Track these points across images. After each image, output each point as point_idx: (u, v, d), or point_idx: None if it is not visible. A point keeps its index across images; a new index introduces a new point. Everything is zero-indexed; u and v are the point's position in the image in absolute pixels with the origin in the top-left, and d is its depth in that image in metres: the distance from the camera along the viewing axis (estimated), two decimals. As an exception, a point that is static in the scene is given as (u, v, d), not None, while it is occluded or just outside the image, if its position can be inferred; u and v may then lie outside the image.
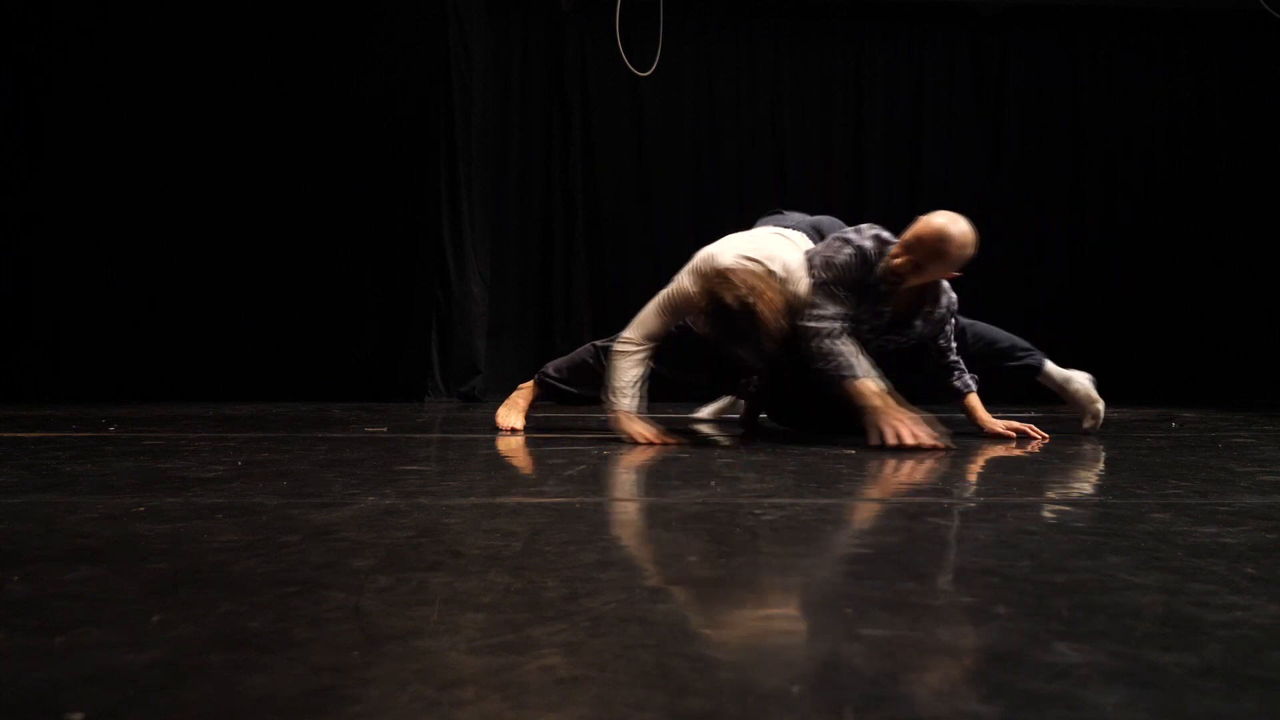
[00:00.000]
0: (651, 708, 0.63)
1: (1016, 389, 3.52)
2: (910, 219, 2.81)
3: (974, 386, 3.06)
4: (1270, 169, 6.17)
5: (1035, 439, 2.89)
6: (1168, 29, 6.19)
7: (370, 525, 1.31)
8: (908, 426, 2.48)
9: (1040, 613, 0.87)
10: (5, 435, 2.89)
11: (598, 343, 3.34)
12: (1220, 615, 0.86)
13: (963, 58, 6.15)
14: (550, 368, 3.36)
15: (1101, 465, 2.15)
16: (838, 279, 2.71)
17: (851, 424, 2.95)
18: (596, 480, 1.91)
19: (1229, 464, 2.16)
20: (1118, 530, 1.30)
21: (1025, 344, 3.30)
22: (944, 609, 0.88)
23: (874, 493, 1.75)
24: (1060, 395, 3.27)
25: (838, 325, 2.68)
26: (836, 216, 3.39)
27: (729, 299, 2.50)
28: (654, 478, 1.99)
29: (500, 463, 2.31)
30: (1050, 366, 3.26)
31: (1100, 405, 3.21)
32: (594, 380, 3.20)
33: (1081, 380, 3.25)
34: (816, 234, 3.15)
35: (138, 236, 5.52)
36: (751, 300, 2.48)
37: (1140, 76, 6.20)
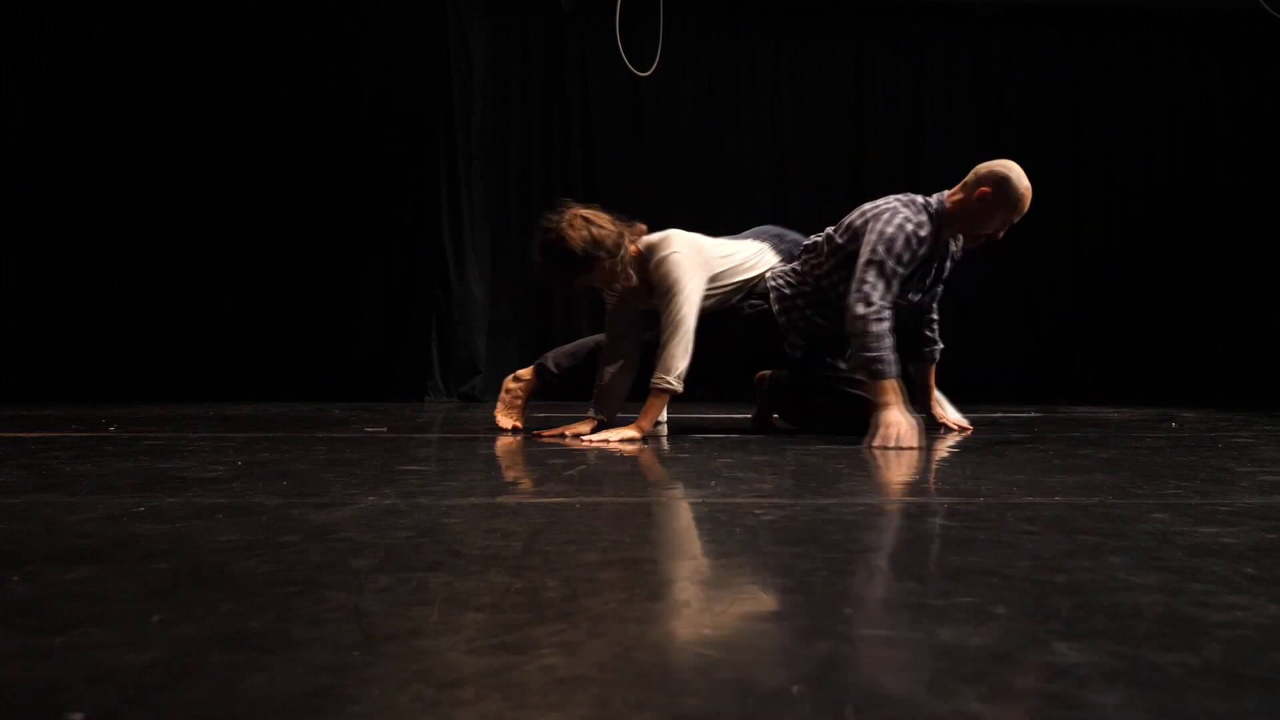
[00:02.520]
0: (651, 708, 0.63)
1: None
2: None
3: (938, 356, 3.09)
4: (1270, 169, 6.16)
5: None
6: (1168, 29, 6.19)
7: (370, 525, 1.31)
8: (905, 433, 2.50)
9: (1040, 613, 0.87)
10: (5, 435, 2.89)
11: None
12: (1220, 615, 0.86)
13: (963, 58, 6.15)
14: (550, 361, 3.29)
15: (1101, 465, 2.15)
16: (900, 259, 2.67)
17: (857, 424, 2.95)
18: (596, 480, 1.91)
19: (1229, 464, 2.16)
20: (1118, 530, 1.30)
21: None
22: (944, 609, 0.88)
23: (874, 493, 1.75)
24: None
25: (888, 310, 2.65)
26: (835, 216, 3.34)
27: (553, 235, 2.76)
28: (654, 478, 1.99)
29: (500, 463, 2.31)
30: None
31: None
32: (590, 378, 3.13)
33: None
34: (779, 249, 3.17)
35: (137, 236, 5.52)
36: (567, 232, 2.73)
37: (1140, 76, 6.19)
